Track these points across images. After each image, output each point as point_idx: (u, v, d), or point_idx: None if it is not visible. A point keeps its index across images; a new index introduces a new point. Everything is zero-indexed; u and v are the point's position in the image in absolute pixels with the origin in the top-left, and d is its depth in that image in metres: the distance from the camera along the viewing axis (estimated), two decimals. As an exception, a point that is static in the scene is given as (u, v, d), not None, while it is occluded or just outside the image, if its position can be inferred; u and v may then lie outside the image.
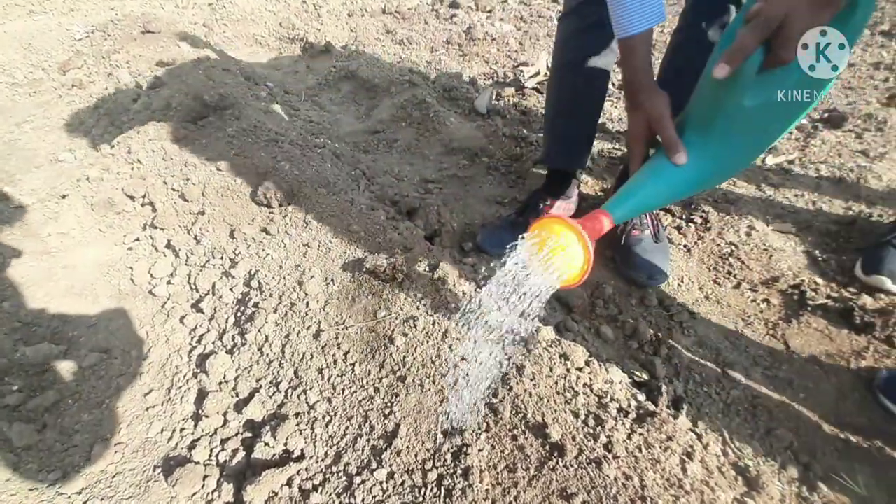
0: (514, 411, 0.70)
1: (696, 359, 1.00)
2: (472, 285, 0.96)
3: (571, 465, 0.63)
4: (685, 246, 1.24)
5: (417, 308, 0.86)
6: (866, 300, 1.05)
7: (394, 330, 0.81)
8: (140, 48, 2.17)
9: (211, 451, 0.77)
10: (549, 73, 1.19)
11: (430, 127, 1.86)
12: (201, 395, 0.82)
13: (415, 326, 0.82)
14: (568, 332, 0.97)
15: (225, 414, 0.79)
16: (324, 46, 2.55)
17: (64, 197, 1.37)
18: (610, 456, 0.65)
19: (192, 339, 0.92)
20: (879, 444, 0.85)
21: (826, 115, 1.81)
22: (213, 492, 0.73)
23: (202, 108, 1.57)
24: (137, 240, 1.17)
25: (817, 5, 0.52)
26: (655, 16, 0.69)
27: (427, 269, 0.96)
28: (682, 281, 1.17)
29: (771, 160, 1.57)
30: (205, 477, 0.73)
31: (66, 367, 0.92)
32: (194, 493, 0.73)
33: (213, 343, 0.89)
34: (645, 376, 0.90)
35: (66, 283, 1.11)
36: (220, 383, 0.82)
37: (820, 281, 1.13)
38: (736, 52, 0.55)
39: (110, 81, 1.99)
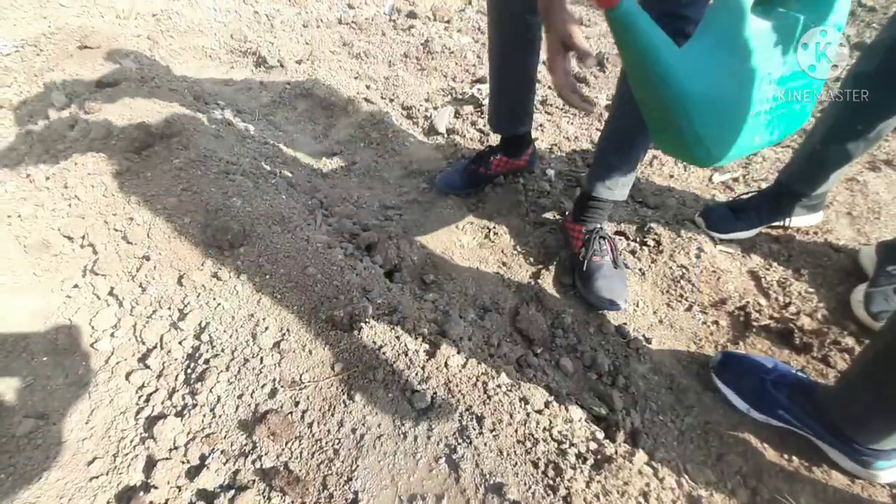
0: (474, 468, 0.70)
1: (652, 386, 1.03)
2: (434, 326, 0.96)
3: (532, 524, 0.64)
4: (640, 269, 1.28)
5: (377, 358, 0.85)
6: (804, 321, 1.12)
7: (352, 385, 0.80)
8: (77, 66, 2.05)
9: (162, 524, 0.73)
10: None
11: (388, 148, 1.84)
12: (150, 463, 0.78)
13: (374, 378, 0.81)
14: (529, 367, 0.98)
15: (177, 483, 0.76)
16: (277, 61, 2.48)
17: (-7, 236, 1.28)
18: (569, 509, 0.66)
19: (139, 398, 0.88)
20: (823, 465, 0.91)
21: (766, 131, 1.91)
22: (164, 570, 0.69)
23: (147, 136, 1.49)
24: (76, 286, 1.10)
25: None
26: None
27: (386, 312, 0.95)
28: (638, 305, 1.21)
29: (717, 177, 1.64)
30: (155, 554, 0.70)
31: (-3, 437, 0.86)
32: (144, 573, 0.69)
33: (163, 403, 0.85)
34: (603, 411, 0.92)
35: (-4, 338, 1.04)
36: (171, 450, 0.78)
37: (763, 302, 1.19)
38: None
39: (43, 103, 1.87)
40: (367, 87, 2.28)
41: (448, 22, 3.19)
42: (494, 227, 1.43)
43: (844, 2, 0.60)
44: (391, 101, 2.14)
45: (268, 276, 1.01)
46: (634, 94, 0.65)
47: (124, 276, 1.07)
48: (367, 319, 0.88)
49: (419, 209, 1.53)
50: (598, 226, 1.24)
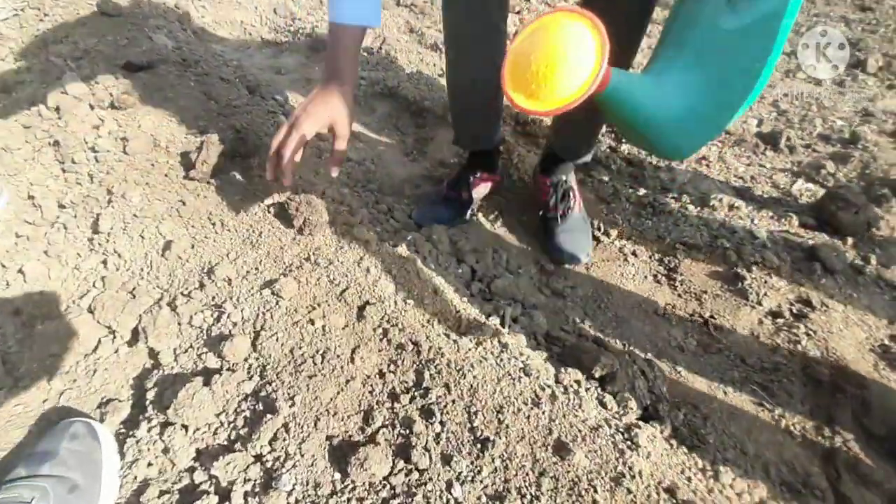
0: None
1: None
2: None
3: None
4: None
5: None
6: None
7: None
8: (94, 37, 1.53)
9: None
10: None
11: (516, 175, 1.40)
12: None
13: None
14: None
15: None
16: (343, 48, 2.00)
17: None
18: None
19: None
20: None
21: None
22: None
23: (216, 156, 1.02)
24: (135, 437, 0.64)
25: None
26: (370, 17, 0.76)
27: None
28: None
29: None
30: None
31: None
32: None
33: None
34: None
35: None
36: None
37: None
38: None
39: (51, 87, 1.36)
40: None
41: (518, 13, 2.73)
42: (713, 318, 1.01)
43: None
44: (500, 111, 1.69)
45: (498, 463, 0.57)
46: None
47: (225, 428, 0.62)
48: None
49: (588, 281, 1.10)
50: (563, 178, 1.18)
